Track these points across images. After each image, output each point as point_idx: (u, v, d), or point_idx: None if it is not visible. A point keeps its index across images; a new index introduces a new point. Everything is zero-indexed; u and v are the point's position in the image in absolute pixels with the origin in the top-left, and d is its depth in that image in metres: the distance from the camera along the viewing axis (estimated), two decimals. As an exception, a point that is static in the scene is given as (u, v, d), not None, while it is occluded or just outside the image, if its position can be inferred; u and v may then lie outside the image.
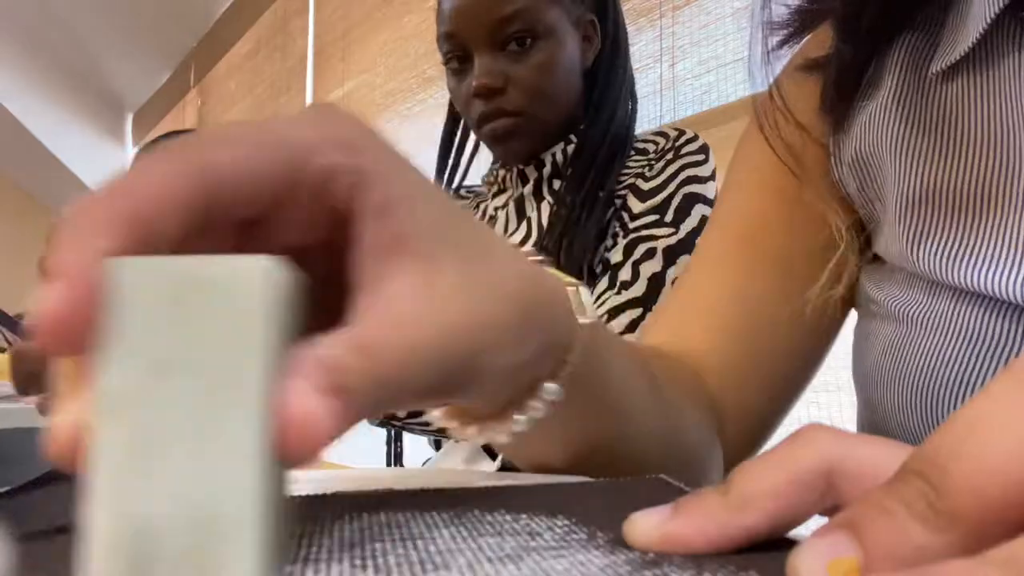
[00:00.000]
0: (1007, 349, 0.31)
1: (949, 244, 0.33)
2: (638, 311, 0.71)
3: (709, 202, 0.79)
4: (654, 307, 0.72)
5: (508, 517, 0.20)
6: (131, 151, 4.66)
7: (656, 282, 0.73)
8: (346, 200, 0.18)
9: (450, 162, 0.97)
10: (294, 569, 0.15)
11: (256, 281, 0.13)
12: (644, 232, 0.77)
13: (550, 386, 0.25)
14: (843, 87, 0.39)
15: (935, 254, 0.33)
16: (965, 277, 0.32)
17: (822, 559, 0.13)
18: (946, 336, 0.33)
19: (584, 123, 0.87)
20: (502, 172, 0.92)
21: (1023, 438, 0.12)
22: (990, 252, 0.31)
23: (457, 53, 0.85)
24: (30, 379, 0.71)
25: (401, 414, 0.66)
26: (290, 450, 0.14)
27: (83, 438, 0.13)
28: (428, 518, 0.20)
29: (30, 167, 4.38)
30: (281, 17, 3.16)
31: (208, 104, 3.88)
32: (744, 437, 0.43)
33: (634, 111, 0.91)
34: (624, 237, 0.79)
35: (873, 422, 0.39)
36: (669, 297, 0.48)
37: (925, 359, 0.34)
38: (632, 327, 0.71)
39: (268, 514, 0.13)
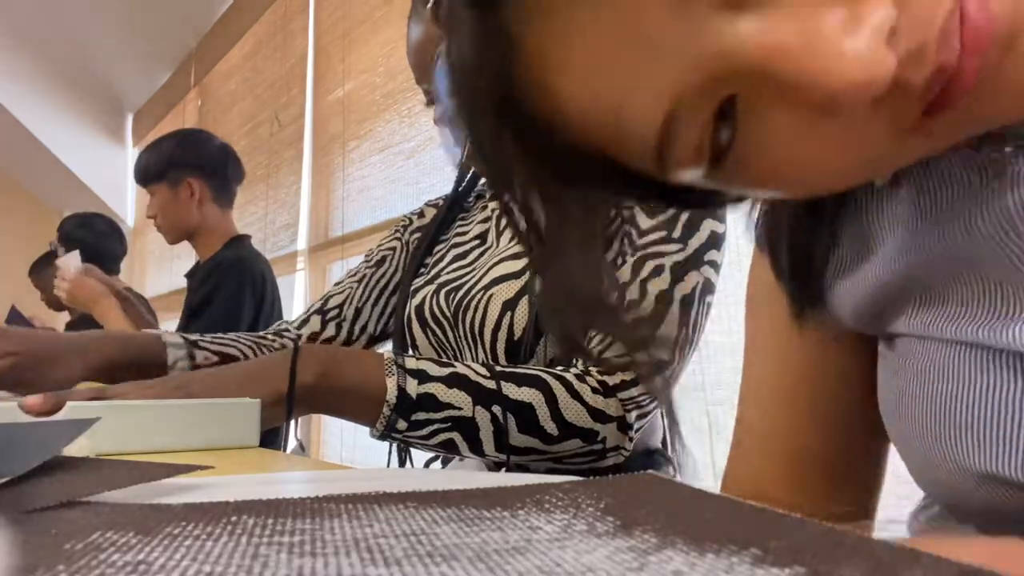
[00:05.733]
0: (997, 390, 0.31)
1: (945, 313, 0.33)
2: None
3: (719, 216, 0.79)
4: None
5: (506, 513, 0.20)
6: (131, 151, 4.66)
7: (664, 300, 0.73)
8: None
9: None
10: (303, 562, 0.15)
11: None
12: (651, 249, 0.77)
13: None
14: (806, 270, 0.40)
15: (936, 322, 0.34)
16: (963, 334, 0.32)
17: None
18: (941, 380, 0.33)
19: None
20: None
21: None
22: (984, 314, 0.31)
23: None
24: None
25: (401, 426, 0.66)
26: None
27: None
28: (427, 515, 0.20)
29: (30, 167, 4.38)
30: (281, 17, 3.15)
31: (208, 104, 3.88)
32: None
33: None
34: (632, 255, 0.79)
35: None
36: (742, 440, 0.49)
37: (922, 402, 0.34)
38: None
39: None
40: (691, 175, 0.29)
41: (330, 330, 0.99)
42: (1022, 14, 0.25)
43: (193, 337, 0.86)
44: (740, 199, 0.37)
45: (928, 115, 0.26)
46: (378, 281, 1.03)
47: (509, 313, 0.78)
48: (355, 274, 1.04)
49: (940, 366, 0.33)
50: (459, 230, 0.99)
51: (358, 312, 1.01)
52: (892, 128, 0.26)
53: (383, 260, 1.04)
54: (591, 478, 0.28)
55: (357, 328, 1.01)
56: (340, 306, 1.01)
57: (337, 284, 1.04)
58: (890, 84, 0.24)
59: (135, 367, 0.75)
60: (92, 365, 0.75)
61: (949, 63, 0.24)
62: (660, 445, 0.90)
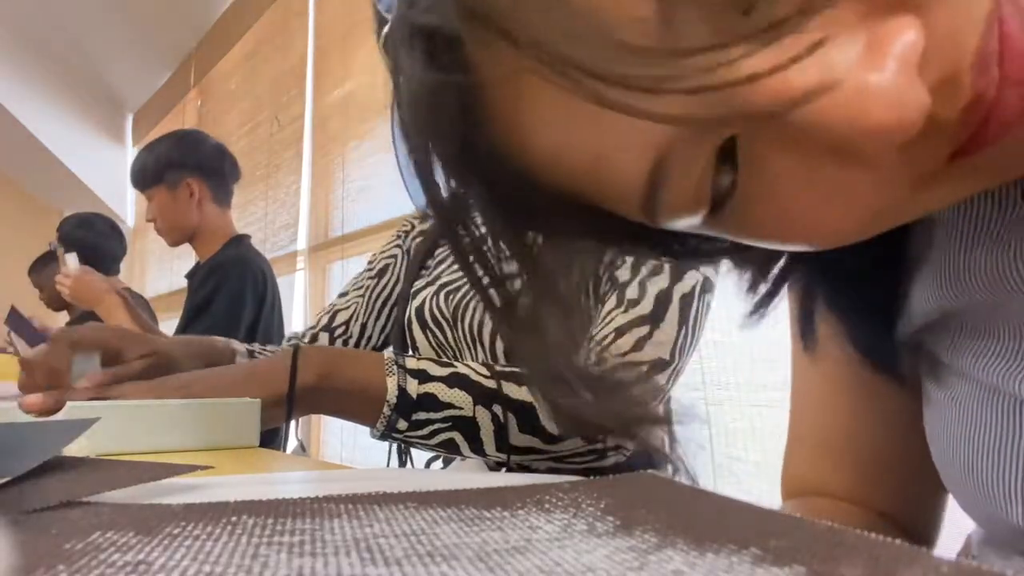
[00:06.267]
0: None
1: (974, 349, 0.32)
2: (645, 328, 0.71)
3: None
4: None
5: (506, 513, 0.20)
6: (131, 151, 4.66)
7: (663, 299, 0.73)
8: None
9: None
10: (303, 563, 0.15)
11: None
12: None
13: None
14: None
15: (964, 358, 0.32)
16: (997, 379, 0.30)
17: None
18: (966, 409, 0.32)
19: None
20: None
21: None
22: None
23: None
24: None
25: (402, 426, 0.66)
26: None
27: None
28: (428, 515, 0.20)
29: (30, 167, 4.38)
30: (281, 17, 3.15)
31: (208, 104, 3.88)
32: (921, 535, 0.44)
33: None
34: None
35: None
36: (795, 442, 0.48)
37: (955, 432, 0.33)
38: (639, 345, 0.70)
39: None
40: (687, 223, 0.26)
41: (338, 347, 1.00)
42: None
43: (251, 347, 0.90)
44: (742, 250, 0.33)
45: (959, 157, 0.22)
46: (379, 293, 1.03)
47: None
48: (359, 286, 1.04)
49: (971, 410, 0.32)
50: None
51: (363, 328, 1.02)
52: (915, 173, 0.23)
53: (385, 270, 1.05)
54: (591, 478, 0.28)
55: (363, 344, 1.02)
56: (347, 323, 1.02)
57: (341, 296, 1.05)
58: (925, 123, 0.20)
59: None
60: (198, 368, 0.77)
61: (987, 92, 0.20)
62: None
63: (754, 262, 0.36)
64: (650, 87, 0.20)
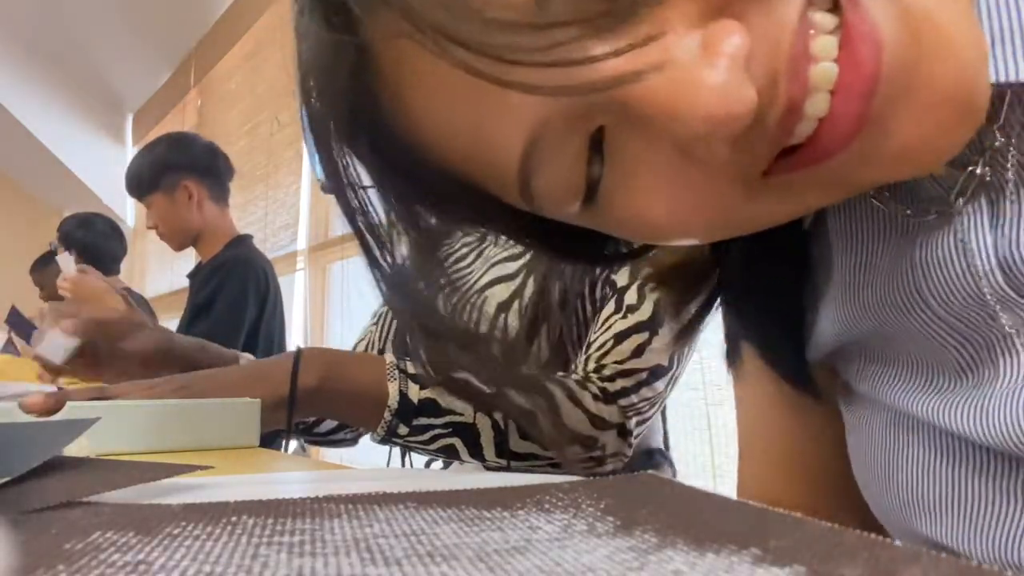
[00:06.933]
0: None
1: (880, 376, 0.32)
2: (644, 335, 0.70)
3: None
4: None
5: (506, 513, 0.20)
6: (131, 151, 4.66)
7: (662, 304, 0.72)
8: None
9: None
10: (303, 562, 0.15)
11: None
12: None
13: None
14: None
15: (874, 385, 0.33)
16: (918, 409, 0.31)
17: None
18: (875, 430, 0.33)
19: None
20: None
21: None
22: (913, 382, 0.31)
23: None
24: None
25: (403, 431, 0.66)
26: None
27: None
28: (428, 515, 0.20)
29: (30, 167, 4.38)
30: (281, 17, 3.15)
31: (208, 104, 3.88)
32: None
33: None
34: None
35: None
36: (743, 460, 0.48)
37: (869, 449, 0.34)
38: (638, 352, 0.69)
39: None
40: (564, 211, 0.27)
41: None
42: (926, 41, 0.21)
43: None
44: (634, 254, 0.35)
45: (795, 169, 0.24)
46: (392, 318, 1.03)
47: (503, 315, 0.78)
48: (374, 315, 1.04)
49: (880, 431, 0.32)
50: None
51: (380, 354, 1.02)
52: (745, 175, 0.24)
53: None
54: (591, 478, 0.28)
55: None
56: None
57: (364, 329, 1.05)
58: (752, 119, 0.21)
59: None
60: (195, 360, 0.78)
61: (799, 97, 0.22)
62: (660, 445, 0.90)
63: (677, 287, 0.38)
64: (510, 58, 0.22)
